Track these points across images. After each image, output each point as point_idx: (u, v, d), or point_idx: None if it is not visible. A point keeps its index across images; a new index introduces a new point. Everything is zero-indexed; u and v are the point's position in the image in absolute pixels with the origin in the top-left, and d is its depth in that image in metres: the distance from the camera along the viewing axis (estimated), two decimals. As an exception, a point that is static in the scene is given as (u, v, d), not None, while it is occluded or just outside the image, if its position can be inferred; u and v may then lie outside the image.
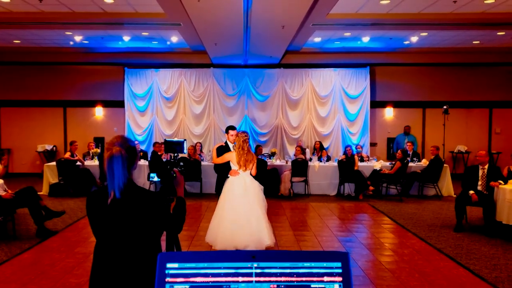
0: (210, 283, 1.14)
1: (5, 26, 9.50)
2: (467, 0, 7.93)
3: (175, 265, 1.15)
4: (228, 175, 5.54)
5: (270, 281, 1.15)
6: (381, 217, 7.83)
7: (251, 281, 1.15)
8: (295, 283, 1.15)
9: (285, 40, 9.97)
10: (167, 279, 1.14)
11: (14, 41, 11.34)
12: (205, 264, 1.15)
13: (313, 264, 1.15)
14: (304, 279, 1.15)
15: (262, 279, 1.15)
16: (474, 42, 11.42)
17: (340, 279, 1.14)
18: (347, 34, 10.56)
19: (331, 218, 7.78)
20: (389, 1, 8.06)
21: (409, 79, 13.13)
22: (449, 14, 8.78)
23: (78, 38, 10.89)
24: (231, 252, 1.17)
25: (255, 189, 5.46)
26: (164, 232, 2.51)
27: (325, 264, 1.15)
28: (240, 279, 1.15)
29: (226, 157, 5.57)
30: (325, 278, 1.15)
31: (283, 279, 1.15)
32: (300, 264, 1.15)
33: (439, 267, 4.99)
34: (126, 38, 10.94)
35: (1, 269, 4.87)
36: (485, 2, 8.02)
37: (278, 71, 12.71)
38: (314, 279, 1.15)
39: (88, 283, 2.20)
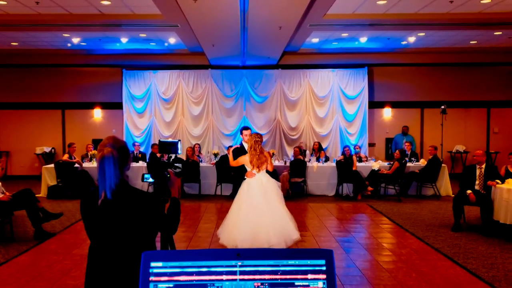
0: (194, 282, 1.14)
1: (2, 28, 9.51)
2: (464, 0, 7.94)
3: (159, 264, 1.15)
4: (245, 177, 5.59)
5: (254, 279, 1.15)
6: (379, 217, 7.83)
7: (235, 279, 1.15)
8: (279, 281, 1.15)
9: (283, 41, 9.97)
10: (151, 278, 1.14)
11: (12, 43, 11.34)
12: (189, 263, 1.15)
13: (297, 262, 1.15)
14: (288, 276, 1.15)
15: (246, 277, 1.15)
16: (471, 42, 11.44)
17: (324, 276, 1.14)
18: (345, 34, 10.57)
19: (329, 218, 7.77)
20: (385, 2, 8.07)
21: (407, 79, 13.14)
22: (446, 14, 8.79)
23: (75, 40, 10.89)
24: (215, 250, 1.17)
25: (273, 187, 5.54)
26: (159, 233, 2.51)
27: (309, 262, 1.15)
28: (224, 277, 1.14)
29: (240, 160, 5.65)
30: (309, 276, 1.15)
31: (267, 277, 1.15)
32: (284, 262, 1.15)
33: (437, 266, 4.99)
34: (124, 40, 10.94)
35: (-2, 271, 4.87)
36: (481, 2, 8.03)
37: (276, 72, 12.71)
38: (298, 276, 1.15)
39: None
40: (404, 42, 11.45)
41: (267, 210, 5.34)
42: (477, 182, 6.78)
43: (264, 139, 12.70)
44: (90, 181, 9.83)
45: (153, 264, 1.16)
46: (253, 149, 5.47)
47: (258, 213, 5.32)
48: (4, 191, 6.36)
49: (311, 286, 1.15)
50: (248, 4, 7.24)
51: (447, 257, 5.31)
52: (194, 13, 7.61)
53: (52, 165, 10.14)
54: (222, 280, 1.14)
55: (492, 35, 10.64)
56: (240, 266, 1.15)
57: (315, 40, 11.15)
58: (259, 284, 1.14)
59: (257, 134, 5.65)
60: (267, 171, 5.66)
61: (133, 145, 11.26)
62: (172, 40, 10.99)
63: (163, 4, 7.61)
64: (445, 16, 8.86)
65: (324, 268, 1.14)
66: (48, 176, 10.01)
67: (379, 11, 8.74)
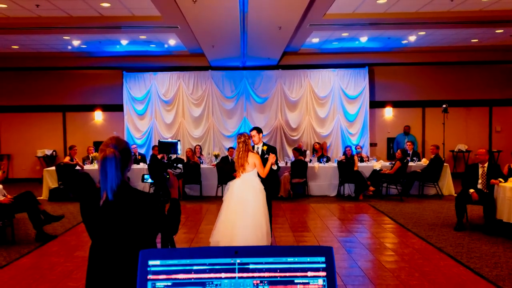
0: (193, 280, 1.12)
1: (2, 32, 9.51)
2: (464, -2, 7.92)
3: (157, 262, 1.13)
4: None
5: (253, 277, 1.13)
6: (381, 217, 7.80)
7: (234, 277, 1.13)
8: (279, 279, 1.13)
9: (283, 41, 9.96)
10: (149, 276, 1.13)
11: (12, 46, 11.35)
12: (187, 261, 1.13)
13: (296, 259, 1.13)
14: (287, 274, 1.13)
15: (245, 275, 1.13)
16: (472, 40, 11.40)
17: (324, 274, 1.12)
18: (345, 34, 10.55)
19: (331, 218, 7.75)
20: (386, 1, 8.05)
21: (408, 78, 13.11)
22: (446, 12, 8.77)
23: (76, 43, 10.89)
24: (213, 248, 1.15)
25: (249, 191, 5.39)
26: (160, 234, 2.50)
27: (308, 259, 1.13)
28: (223, 275, 1.13)
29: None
30: (309, 273, 1.13)
31: (266, 274, 1.13)
32: (283, 259, 1.13)
33: (439, 266, 4.96)
34: (124, 42, 10.94)
35: (0, 274, 4.86)
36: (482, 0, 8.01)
37: (277, 72, 12.69)
38: (298, 274, 1.13)
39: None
40: (404, 41, 11.42)
41: (232, 212, 5.35)
42: (479, 181, 6.75)
43: (264, 140, 12.76)
44: (91, 183, 9.83)
45: (150, 262, 1.14)
46: (236, 149, 5.48)
47: (227, 213, 5.39)
48: (6, 194, 6.35)
49: (311, 283, 1.13)
50: (248, 4, 7.23)
51: (450, 257, 5.28)
52: (193, 14, 7.60)
53: (54, 168, 10.14)
54: (221, 278, 1.12)
55: (493, 33, 10.60)
56: (239, 263, 1.13)
57: (315, 40, 11.13)
58: (258, 281, 1.13)
59: (240, 134, 5.51)
60: (261, 178, 5.50)
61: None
62: (172, 42, 10.99)
63: (162, 6, 7.60)
64: (445, 15, 8.84)
65: (324, 265, 1.12)
66: (50, 179, 10.01)
67: (379, 10, 8.72)
